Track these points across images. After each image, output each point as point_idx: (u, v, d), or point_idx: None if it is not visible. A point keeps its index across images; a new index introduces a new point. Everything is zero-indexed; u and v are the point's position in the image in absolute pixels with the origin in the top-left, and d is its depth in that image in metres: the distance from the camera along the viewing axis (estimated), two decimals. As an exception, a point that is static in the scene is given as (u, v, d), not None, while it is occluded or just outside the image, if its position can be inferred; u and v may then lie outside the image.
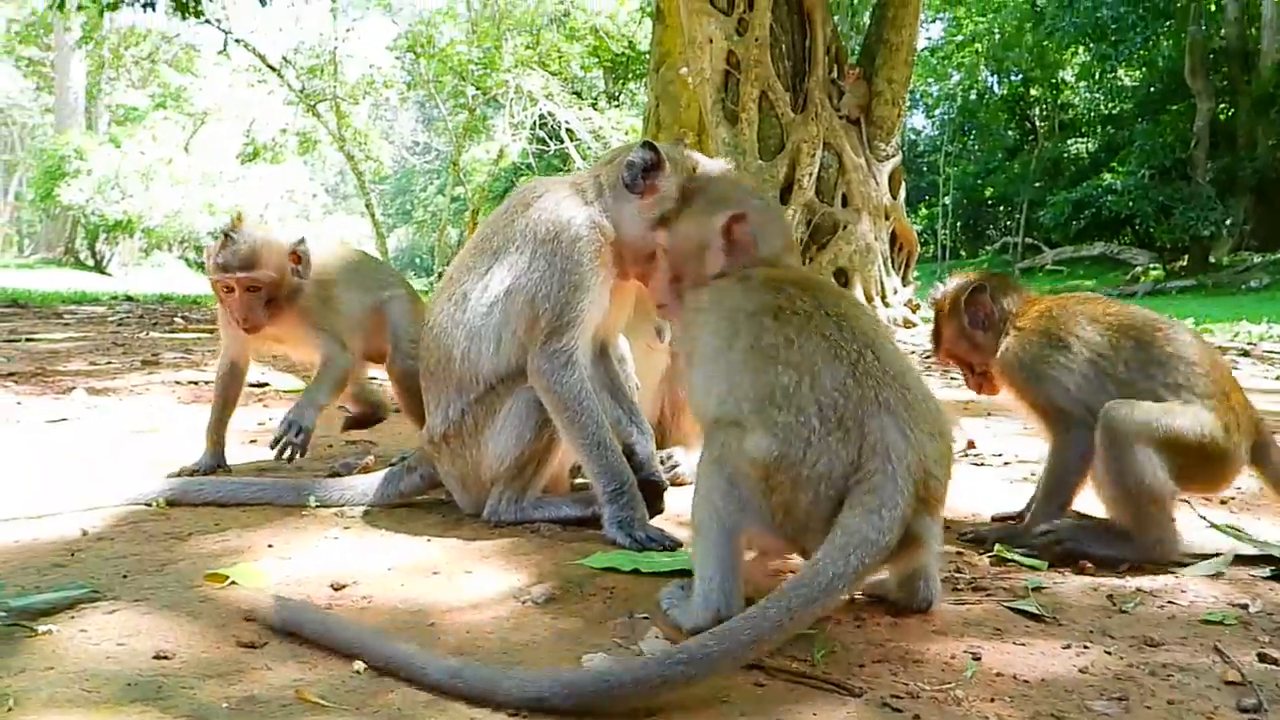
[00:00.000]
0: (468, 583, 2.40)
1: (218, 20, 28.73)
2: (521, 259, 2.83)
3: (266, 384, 5.77)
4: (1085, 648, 2.02)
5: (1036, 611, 2.21)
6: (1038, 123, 41.02)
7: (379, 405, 4.32)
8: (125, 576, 2.36)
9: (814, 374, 1.98)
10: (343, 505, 3.09)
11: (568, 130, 31.73)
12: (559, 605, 2.25)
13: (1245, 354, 9.67)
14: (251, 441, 4.26)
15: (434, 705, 1.73)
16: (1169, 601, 2.31)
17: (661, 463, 3.22)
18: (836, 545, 1.85)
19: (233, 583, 2.33)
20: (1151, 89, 36.16)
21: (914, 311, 11.90)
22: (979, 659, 1.95)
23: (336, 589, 2.33)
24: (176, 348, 7.99)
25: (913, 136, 43.28)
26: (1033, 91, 40.30)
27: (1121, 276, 31.03)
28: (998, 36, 37.81)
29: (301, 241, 3.63)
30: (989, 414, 5.44)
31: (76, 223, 36.47)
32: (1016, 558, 2.62)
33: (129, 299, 16.09)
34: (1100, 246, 34.06)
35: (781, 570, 2.46)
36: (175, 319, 11.46)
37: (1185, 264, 31.15)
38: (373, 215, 35.56)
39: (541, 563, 2.54)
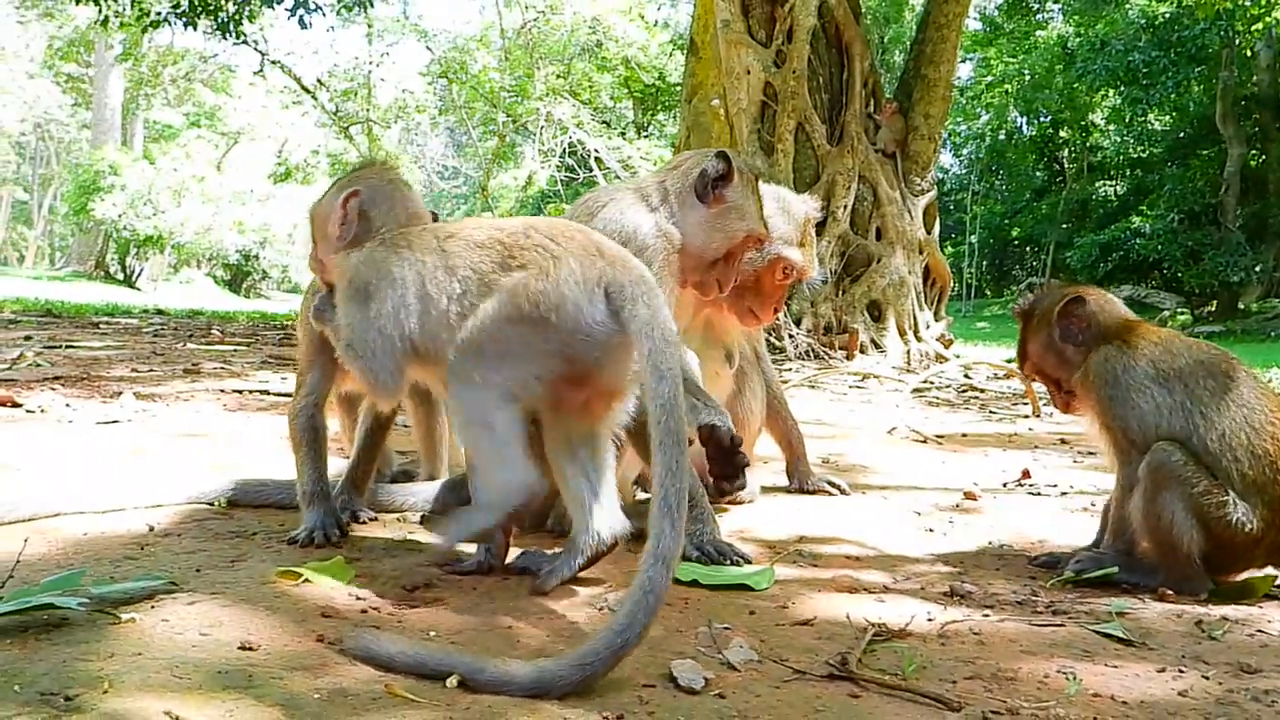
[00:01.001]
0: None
1: (255, 42, 29.11)
2: None
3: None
4: (1180, 672, 1.98)
5: (1123, 636, 2.17)
6: (1066, 164, 40.97)
7: None
8: (198, 571, 2.35)
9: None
10: (404, 511, 3.07)
11: (596, 159, 31.88)
12: (636, 613, 2.22)
13: None
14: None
15: (524, 705, 1.71)
16: (1259, 630, 2.27)
17: None
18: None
19: (306, 580, 2.31)
20: (1182, 134, 36.06)
21: (946, 347, 11.84)
22: (1078, 679, 1.91)
23: (410, 590, 2.31)
24: (215, 358, 8.02)
25: (940, 175, 43.23)
26: (1062, 133, 40.27)
27: (1149, 320, 30.82)
28: (1028, 77, 37.81)
29: None
30: (1035, 446, 5.39)
31: (108, 237, 36.84)
32: (1123, 605, 2.45)
33: (160, 312, 16.20)
34: (1128, 290, 33.83)
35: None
36: (211, 331, 11.53)
37: (1214, 309, 30.94)
38: (399, 238, 35.76)
39: (612, 571, 2.51)
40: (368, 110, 35.21)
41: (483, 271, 2.27)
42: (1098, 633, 2.19)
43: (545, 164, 33.44)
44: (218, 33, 20.51)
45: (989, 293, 41.21)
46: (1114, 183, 39.10)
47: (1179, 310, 31.70)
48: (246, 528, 2.81)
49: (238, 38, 22.08)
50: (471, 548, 2.50)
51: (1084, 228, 35.88)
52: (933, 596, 2.47)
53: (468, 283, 2.28)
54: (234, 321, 14.78)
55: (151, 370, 6.80)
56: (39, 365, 6.59)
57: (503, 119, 34.99)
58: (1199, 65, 32.73)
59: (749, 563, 2.64)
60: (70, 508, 2.84)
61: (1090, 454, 4.98)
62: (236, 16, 19.08)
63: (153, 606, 2.06)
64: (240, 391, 5.90)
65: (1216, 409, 2.54)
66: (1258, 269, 31.06)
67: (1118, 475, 2.68)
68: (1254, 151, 33.43)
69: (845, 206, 11.48)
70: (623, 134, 36.49)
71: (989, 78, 39.41)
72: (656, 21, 37.27)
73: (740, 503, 3.40)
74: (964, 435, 5.79)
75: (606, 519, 2.35)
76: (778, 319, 10.84)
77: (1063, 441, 5.61)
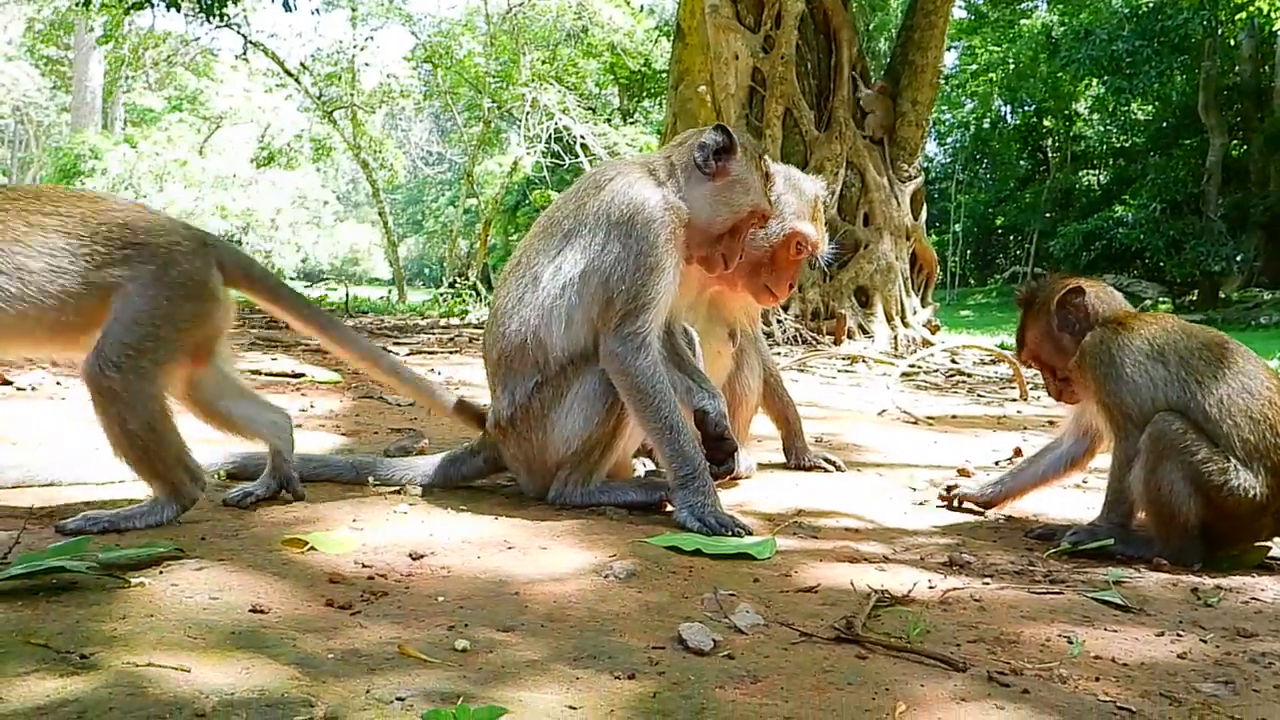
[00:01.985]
0: (545, 558, 2.39)
1: (237, 24, 28.87)
2: (595, 240, 2.82)
3: (303, 374, 5.76)
4: (1179, 636, 2.01)
5: (1121, 602, 2.21)
6: (1050, 153, 41.14)
7: None
8: (203, 539, 2.36)
9: None
10: (403, 484, 3.08)
11: (582, 145, 31.79)
12: (641, 581, 2.24)
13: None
14: (298, 426, 4.24)
15: (536, 665, 1.73)
16: (1252, 598, 2.31)
17: None
18: None
19: (311, 548, 2.32)
20: (1164, 123, 36.27)
21: (933, 333, 11.89)
22: (1081, 642, 1.94)
23: (415, 558, 2.32)
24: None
25: (925, 163, 43.37)
26: (1046, 122, 40.41)
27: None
28: (1013, 66, 37.89)
29: None
30: (1024, 428, 5.44)
31: (88, 221, 36.50)
32: (1120, 574, 2.48)
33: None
34: (1110, 278, 33.99)
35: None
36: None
37: (1195, 298, 31.17)
38: (385, 223, 35.58)
39: (615, 542, 2.53)
40: (352, 95, 34.97)
41: None
42: (1095, 600, 2.23)
43: (530, 150, 33.31)
44: (200, 15, 20.32)
45: (973, 281, 41.38)
46: (1097, 172, 39.29)
47: (1161, 299, 31.89)
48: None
49: (220, 20, 21.91)
50: None
51: (1067, 217, 36.06)
52: (932, 566, 2.50)
53: None
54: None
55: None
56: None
57: (488, 105, 34.84)
58: (1182, 55, 32.90)
59: (750, 534, 2.66)
60: (69, 478, 2.84)
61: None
62: (220, -2, 18.91)
63: (160, 572, 2.06)
64: (231, 371, 5.88)
65: (1213, 378, 2.58)
66: (1239, 258, 31.30)
67: (1114, 451, 2.71)
68: (1236, 141, 33.66)
69: (833, 192, 11.48)
70: (608, 120, 36.41)
71: (974, 66, 39.48)
72: (643, 7, 37.12)
73: (739, 478, 3.42)
74: (954, 417, 5.83)
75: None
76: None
77: (1051, 423, 5.65)
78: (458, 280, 24.75)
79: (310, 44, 36.82)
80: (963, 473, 3.73)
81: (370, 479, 3.08)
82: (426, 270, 56.46)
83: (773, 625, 1.97)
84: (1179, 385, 2.60)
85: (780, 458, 3.91)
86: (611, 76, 37.43)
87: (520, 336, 2.87)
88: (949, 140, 43.94)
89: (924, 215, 12.42)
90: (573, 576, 2.26)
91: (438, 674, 1.66)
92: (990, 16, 39.24)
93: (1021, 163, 41.55)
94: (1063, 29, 35.59)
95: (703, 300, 3.35)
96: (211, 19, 20.68)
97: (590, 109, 36.62)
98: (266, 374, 5.78)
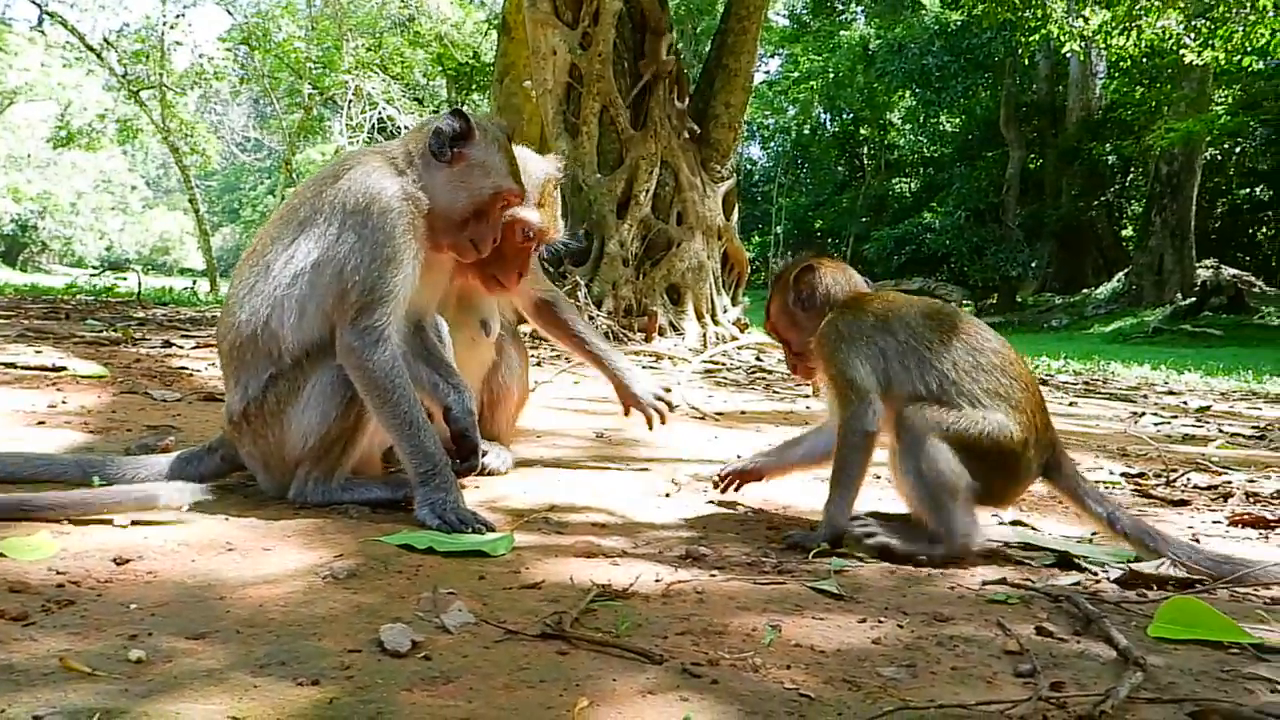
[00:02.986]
0: (265, 559, 2.29)
1: (32, -7, 26.90)
2: (330, 230, 2.71)
3: (65, 368, 5.39)
4: (879, 621, 2.09)
5: (836, 591, 2.27)
6: (866, 160, 42.93)
7: None
8: (-127, 547, 2.14)
9: None
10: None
11: (407, 136, 31.14)
12: (360, 581, 2.17)
13: (1044, 383, 10.37)
14: (40, 423, 3.95)
15: (213, 675, 1.64)
16: (958, 583, 2.42)
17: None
18: None
19: (1, 555, 2.15)
20: (970, 136, 38.42)
21: (742, 331, 12.17)
22: (778, 630, 1.98)
23: (120, 563, 2.18)
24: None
25: (749, 166, 44.53)
26: (862, 130, 42.17)
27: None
28: (832, 75, 39.37)
29: None
30: (807, 423, 5.61)
31: None
32: (842, 564, 2.53)
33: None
34: (919, 281, 35.80)
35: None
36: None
37: (995, 302, 33.14)
38: (196, 211, 33.84)
39: (346, 542, 2.45)
40: (161, 74, 33.13)
41: None
42: (813, 589, 2.29)
43: (353, 140, 32.40)
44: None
45: (794, 282, 42.70)
46: (909, 180, 41.27)
47: (964, 302, 33.78)
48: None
49: (8, -13, 20.39)
50: None
51: (881, 222, 37.73)
52: (668, 559, 2.52)
53: None
54: (-2, 294, 13.65)
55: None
56: None
57: (309, 91, 33.69)
58: (986, 72, 34.92)
59: (492, 530, 2.62)
60: None
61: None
62: (5, -37, 17.63)
63: None
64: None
65: (942, 342, 2.69)
66: (1033, 265, 33.47)
67: (840, 419, 2.71)
68: (1033, 155, 35.95)
69: (647, 191, 11.62)
70: (436, 112, 35.74)
71: (795, 73, 40.78)
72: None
73: (494, 474, 3.38)
74: (742, 413, 5.96)
75: None
76: (578, 300, 10.89)
77: (833, 418, 5.85)
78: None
79: (115, 18, 34.70)
80: (728, 467, 3.80)
81: (96, 479, 2.88)
82: (244, 261, 54.06)
83: (482, 624, 1.94)
84: (911, 352, 2.69)
85: (551, 452, 3.89)
86: (440, 67, 36.79)
87: (251, 327, 2.74)
88: (772, 144, 45.23)
89: (736, 216, 12.70)
90: (288, 578, 2.16)
91: (97, 688, 1.55)
92: (812, 26, 40.60)
93: (839, 168, 43.22)
94: (879, 42, 37.22)
95: (453, 290, 3.28)
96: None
97: (417, 100, 35.94)
98: (22, 368, 5.38)
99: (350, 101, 31.76)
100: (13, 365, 5.51)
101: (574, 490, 3.29)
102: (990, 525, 3.06)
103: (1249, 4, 17.92)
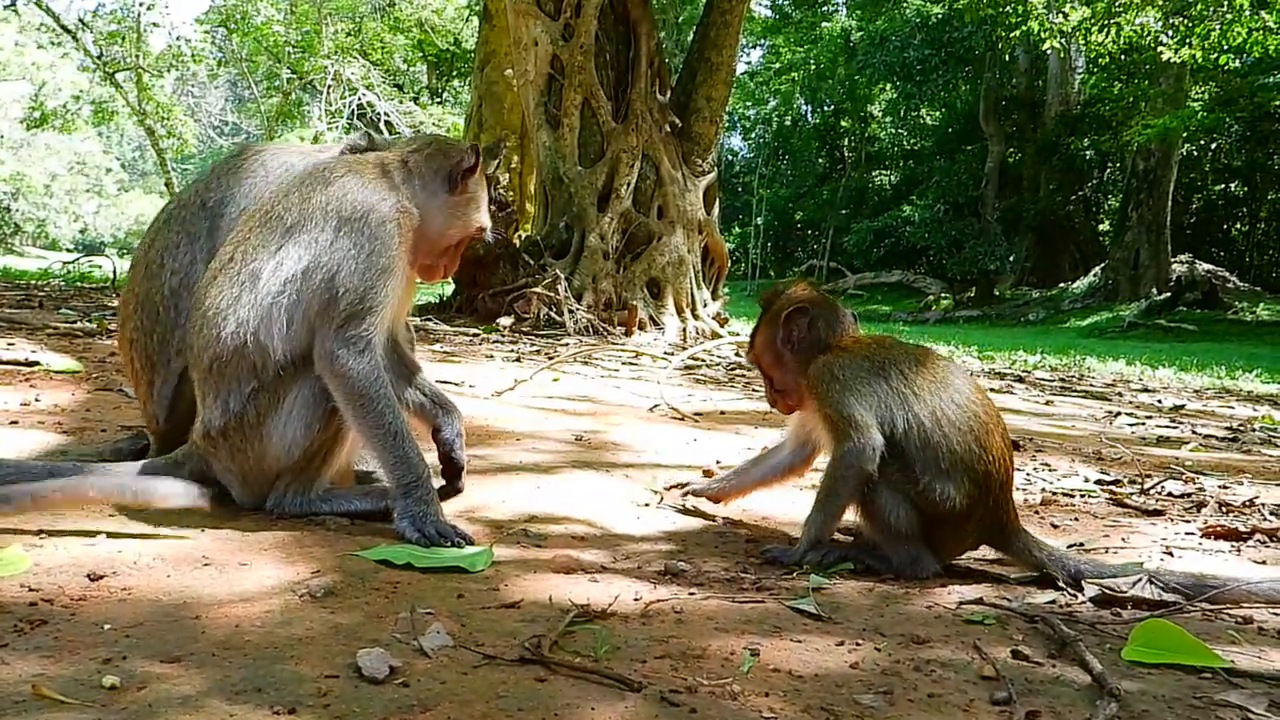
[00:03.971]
0: (241, 575, 2.27)
1: (5, -28, 26.54)
2: (323, 235, 2.67)
3: (38, 362, 5.33)
4: (857, 644, 2.09)
5: (815, 611, 2.28)
6: (846, 153, 43.02)
7: None
8: None
9: None
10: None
11: (387, 122, 30.94)
12: (338, 599, 2.16)
13: (1020, 380, 10.43)
14: (13, 423, 3.91)
15: (189, 702, 1.62)
16: (936, 602, 2.43)
17: None
18: None
19: (-30, 571, 2.12)
20: (950, 129, 38.57)
21: (722, 325, 12.19)
22: (757, 654, 1.99)
23: (94, 579, 2.16)
24: (-67, 321, 7.27)
25: (730, 158, 44.55)
26: (843, 123, 42.23)
27: (916, 304, 32.90)
28: (813, 67, 39.40)
29: None
30: (785, 425, 5.61)
31: None
32: (822, 581, 2.56)
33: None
34: (898, 274, 36.00)
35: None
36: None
37: (973, 295, 33.32)
38: (172, 194, 33.65)
39: (324, 556, 2.43)
40: (137, 56, 32.78)
41: None
42: (791, 608, 2.29)
43: (332, 125, 32.17)
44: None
45: (773, 273, 42.82)
46: (888, 172, 41.42)
47: (943, 295, 33.96)
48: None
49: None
50: None
51: (861, 214, 37.85)
52: (647, 575, 2.52)
53: None
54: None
55: None
56: None
57: (287, 75, 33.43)
58: (966, 66, 35.03)
59: (471, 544, 2.61)
60: None
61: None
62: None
63: None
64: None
65: (929, 391, 2.71)
66: (1011, 259, 33.65)
67: (834, 451, 2.74)
68: (1012, 149, 36.13)
69: (628, 184, 11.61)
70: (415, 99, 35.59)
71: (777, 65, 40.79)
72: (453, -15, 36.43)
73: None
74: (722, 413, 5.96)
75: None
76: (558, 293, 10.87)
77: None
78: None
79: (90, -1, 34.26)
80: (707, 473, 3.80)
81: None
82: (220, 245, 53.60)
83: (460, 648, 1.93)
84: (899, 398, 2.71)
85: (531, 457, 3.88)
86: (420, 54, 36.57)
87: (238, 340, 2.67)
88: (753, 135, 45.25)
89: (716, 210, 12.70)
90: (264, 596, 2.15)
91: (74, 715, 1.54)
92: (794, 18, 40.58)
93: (820, 161, 43.30)
94: (860, 34, 37.26)
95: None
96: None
97: (397, 86, 35.72)
98: (-12, 359, 5.31)
99: (329, 86, 31.53)
100: (-22, 357, 5.44)
101: (554, 499, 3.29)
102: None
103: (1226, 2, 18.08)
